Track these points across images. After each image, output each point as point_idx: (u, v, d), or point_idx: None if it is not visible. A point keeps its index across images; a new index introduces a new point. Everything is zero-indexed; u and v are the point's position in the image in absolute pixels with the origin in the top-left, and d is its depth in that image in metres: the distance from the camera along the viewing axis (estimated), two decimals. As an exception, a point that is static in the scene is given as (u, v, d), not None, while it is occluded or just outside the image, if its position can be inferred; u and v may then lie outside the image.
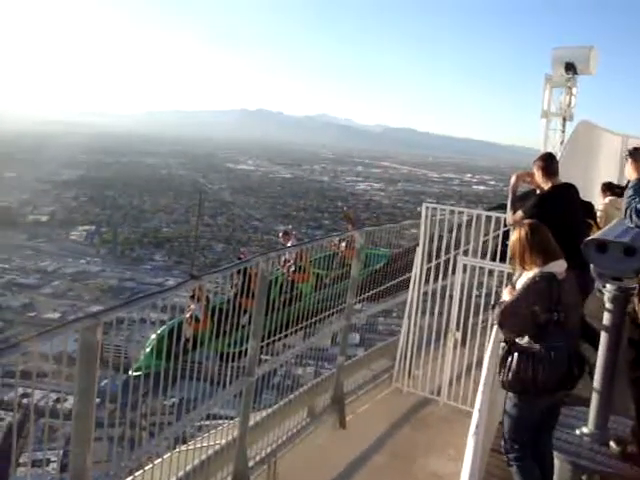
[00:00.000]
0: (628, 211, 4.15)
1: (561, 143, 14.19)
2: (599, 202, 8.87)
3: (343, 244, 13.31)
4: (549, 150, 14.17)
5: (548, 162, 5.31)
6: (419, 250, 7.44)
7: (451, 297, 7.23)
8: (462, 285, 7.05)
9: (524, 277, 3.79)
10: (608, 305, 4.08)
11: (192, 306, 12.21)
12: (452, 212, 7.33)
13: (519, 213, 5.23)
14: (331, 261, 13.20)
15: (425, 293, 7.58)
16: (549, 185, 5.24)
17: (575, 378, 3.66)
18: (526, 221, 4.09)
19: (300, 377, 7.08)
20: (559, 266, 3.67)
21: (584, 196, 6.75)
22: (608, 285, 3.99)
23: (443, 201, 78.64)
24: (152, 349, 11.95)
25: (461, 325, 7.13)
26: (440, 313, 7.39)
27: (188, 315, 12.19)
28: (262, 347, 5.21)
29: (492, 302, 6.33)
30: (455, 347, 7.20)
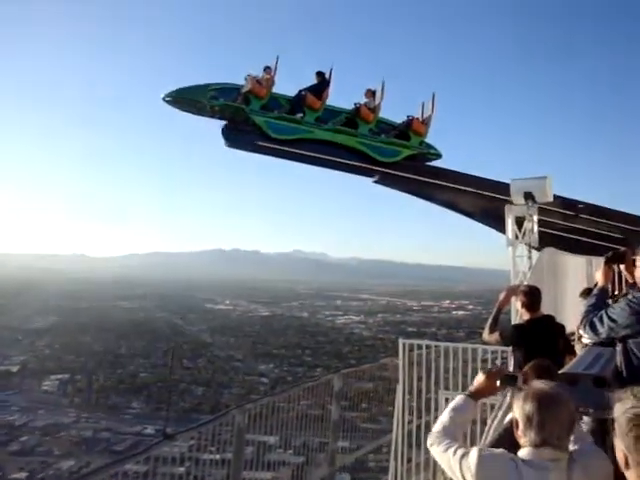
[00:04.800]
0: (584, 321, 3.98)
1: (529, 268, 14.65)
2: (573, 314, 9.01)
3: None
4: (518, 275, 14.58)
5: (529, 297, 5.54)
6: (399, 387, 7.38)
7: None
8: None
9: (508, 417, 3.66)
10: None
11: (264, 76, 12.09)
12: (428, 347, 7.37)
13: (495, 335, 5.44)
14: None
15: (410, 432, 7.40)
16: (528, 317, 5.47)
17: None
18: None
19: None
20: None
21: (555, 317, 6.88)
22: (585, 417, 3.96)
23: (423, 329, 78.78)
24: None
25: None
26: (427, 449, 7.19)
27: (255, 77, 12.00)
28: None
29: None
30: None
